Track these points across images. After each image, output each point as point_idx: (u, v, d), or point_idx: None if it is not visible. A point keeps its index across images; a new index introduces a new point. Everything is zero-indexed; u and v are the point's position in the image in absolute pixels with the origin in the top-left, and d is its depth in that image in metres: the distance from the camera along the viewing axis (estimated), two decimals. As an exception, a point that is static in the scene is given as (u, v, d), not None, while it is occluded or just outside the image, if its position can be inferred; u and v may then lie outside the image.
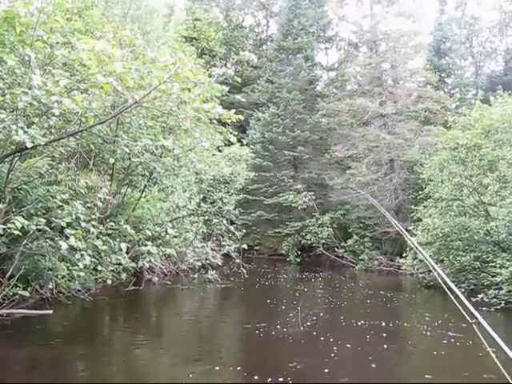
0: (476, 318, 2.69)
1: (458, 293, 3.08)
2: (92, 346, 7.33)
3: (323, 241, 22.86)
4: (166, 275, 14.27)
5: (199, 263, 13.98)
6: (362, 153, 22.75)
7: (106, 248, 8.22)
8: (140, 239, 9.46)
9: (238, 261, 14.61)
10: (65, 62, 8.03)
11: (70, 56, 7.53)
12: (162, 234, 11.22)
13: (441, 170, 15.28)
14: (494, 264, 12.34)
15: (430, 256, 13.86)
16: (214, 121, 8.53)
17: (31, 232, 7.53)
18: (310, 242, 23.20)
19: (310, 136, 25.49)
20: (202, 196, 17.85)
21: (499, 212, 12.90)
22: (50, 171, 8.90)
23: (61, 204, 7.94)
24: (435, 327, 9.19)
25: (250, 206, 25.56)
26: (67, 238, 7.41)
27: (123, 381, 6.02)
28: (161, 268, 14.39)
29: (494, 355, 2.63)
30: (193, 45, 31.34)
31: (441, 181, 15.29)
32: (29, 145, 6.46)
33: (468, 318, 2.82)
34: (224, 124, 8.82)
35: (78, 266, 7.88)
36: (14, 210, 7.78)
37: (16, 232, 6.74)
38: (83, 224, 7.72)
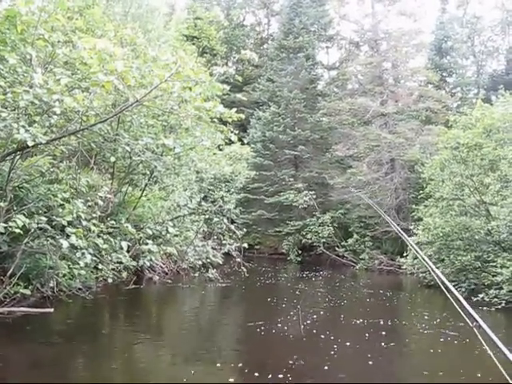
0: (476, 321, 2.68)
1: (459, 296, 3.07)
2: (93, 344, 7.34)
3: (324, 240, 22.85)
4: (166, 274, 14.27)
5: (200, 262, 13.98)
6: (363, 152, 22.72)
7: (107, 246, 8.24)
8: (141, 238, 9.47)
9: (238, 260, 14.64)
10: (66, 60, 8.03)
11: (72, 55, 7.54)
12: (163, 233, 11.23)
13: (442, 169, 15.27)
14: (494, 264, 12.33)
15: (430, 256, 13.90)
16: (215, 120, 8.53)
17: (32, 230, 7.55)
18: (310, 241, 23.19)
19: (311, 135, 25.47)
20: (202, 195, 17.87)
21: (500, 212, 12.89)
22: (51, 170, 8.91)
23: (62, 202, 7.96)
24: (433, 326, 9.24)
25: (250, 204, 25.57)
26: (68, 236, 7.43)
27: (124, 379, 6.03)
28: (161, 267, 14.40)
29: (495, 359, 2.61)
30: (194, 43, 31.39)
31: (442, 180, 15.27)
32: (30, 143, 6.47)
33: (468, 321, 2.81)
34: (225, 123, 8.82)
35: (78, 264, 7.89)
36: (15, 208, 7.80)
37: (17, 230, 6.76)
38: (84, 222, 7.74)
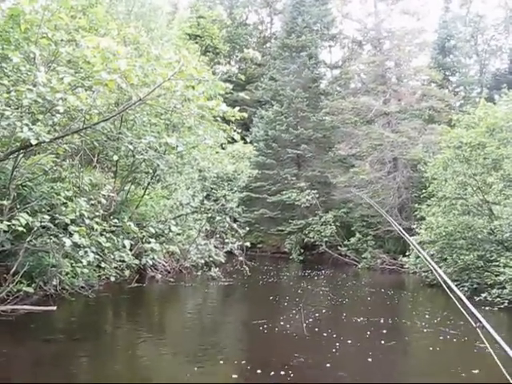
0: (480, 322, 2.67)
1: (461, 295, 3.06)
2: (95, 342, 7.38)
3: (326, 239, 22.84)
4: (169, 272, 14.30)
5: (202, 261, 14.03)
6: (366, 151, 22.68)
7: (110, 245, 8.25)
8: (143, 236, 9.49)
9: (241, 258, 14.66)
10: (69, 59, 8.04)
11: (75, 53, 7.54)
12: (166, 232, 11.25)
13: (444, 168, 15.23)
14: (497, 263, 12.29)
15: (432, 255, 13.88)
16: (218, 118, 8.54)
17: (35, 229, 7.58)
18: (312, 240, 23.18)
19: (314, 134, 25.45)
20: (205, 193, 17.88)
21: (503, 211, 12.86)
22: (55, 168, 8.94)
23: (65, 201, 7.98)
24: (433, 324, 9.25)
25: (253, 203, 25.58)
26: (71, 234, 7.44)
27: (127, 377, 6.05)
28: (164, 265, 14.43)
29: (496, 358, 2.61)
30: (197, 42, 31.40)
31: (444, 179, 15.24)
32: (33, 142, 6.48)
33: (471, 320, 2.80)
34: (227, 122, 8.83)
35: (81, 262, 7.93)
36: (18, 206, 7.83)
37: (20, 229, 6.77)
38: (87, 221, 7.76)
